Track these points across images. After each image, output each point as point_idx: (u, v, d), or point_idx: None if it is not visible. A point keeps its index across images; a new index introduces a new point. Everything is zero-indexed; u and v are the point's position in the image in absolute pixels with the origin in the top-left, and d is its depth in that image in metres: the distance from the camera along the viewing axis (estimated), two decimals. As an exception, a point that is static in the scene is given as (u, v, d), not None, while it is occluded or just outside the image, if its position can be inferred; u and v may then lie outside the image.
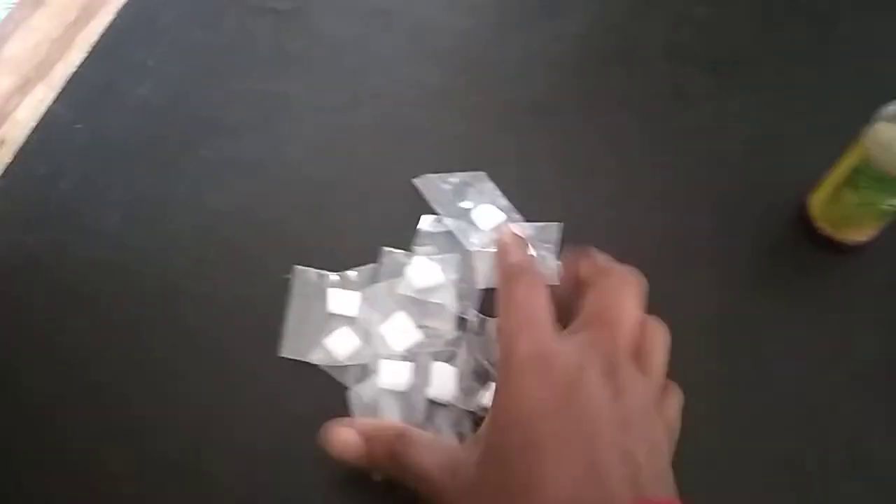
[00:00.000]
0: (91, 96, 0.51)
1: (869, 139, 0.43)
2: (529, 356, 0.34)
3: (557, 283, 0.40)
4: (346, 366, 0.41)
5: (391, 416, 0.40)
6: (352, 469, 0.37)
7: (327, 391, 0.41)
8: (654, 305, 0.45)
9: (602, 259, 0.40)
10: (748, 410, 0.43)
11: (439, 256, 0.44)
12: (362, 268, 0.44)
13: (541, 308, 0.35)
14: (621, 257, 0.47)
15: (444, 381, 0.40)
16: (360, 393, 0.40)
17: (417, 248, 0.45)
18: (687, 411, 0.42)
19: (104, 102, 0.51)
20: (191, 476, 0.39)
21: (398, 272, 0.44)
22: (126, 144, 0.49)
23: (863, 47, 0.58)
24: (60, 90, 0.51)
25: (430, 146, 0.50)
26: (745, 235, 0.49)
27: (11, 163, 0.48)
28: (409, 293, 0.43)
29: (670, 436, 0.35)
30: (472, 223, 0.46)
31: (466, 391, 0.40)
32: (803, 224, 0.49)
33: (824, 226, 0.47)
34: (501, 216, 0.46)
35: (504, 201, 0.48)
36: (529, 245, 0.41)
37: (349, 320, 0.42)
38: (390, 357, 0.41)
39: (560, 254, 0.45)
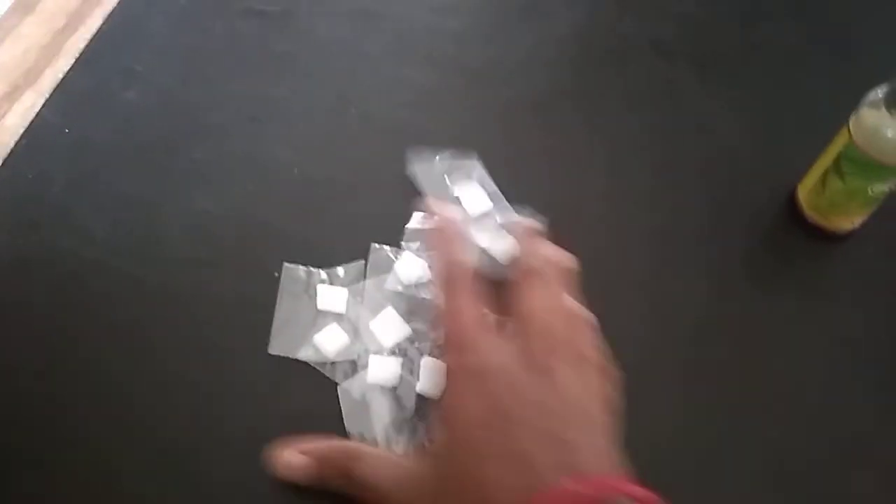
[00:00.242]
0: (79, 102, 0.51)
1: (854, 125, 0.43)
2: (461, 368, 0.35)
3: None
4: (335, 362, 0.41)
5: (381, 412, 0.40)
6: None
7: (317, 388, 0.41)
8: (647, 296, 0.46)
9: (536, 250, 0.40)
10: (739, 399, 0.43)
11: (427, 252, 0.44)
12: (350, 264, 0.44)
13: (471, 319, 0.36)
14: (614, 250, 0.47)
15: (433, 375, 0.40)
16: (349, 389, 0.40)
17: (405, 245, 0.45)
18: (680, 401, 0.42)
19: (92, 107, 0.51)
20: (182, 471, 0.39)
21: (386, 268, 0.44)
22: (115, 148, 0.50)
23: (846, 37, 0.58)
24: (49, 96, 0.51)
25: (417, 145, 0.50)
26: (736, 226, 0.49)
27: (1, 168, 0.48)
28: (397, 289, 0.43)
29: (610, 414, 0.36)
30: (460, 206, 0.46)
31: None
32: (793, 213, 0.49)
33: (813, 214, 0.47)
34: (488, 203, 0.47)
35: (493, 187, 0.48)
36: (470, 230, 0.41)
37: (338, 317, 0.42)
38: (379, 353, 0.41)
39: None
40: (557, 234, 0.45)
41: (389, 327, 0.42)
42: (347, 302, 0.43)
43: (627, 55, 0.56)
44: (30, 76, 0.53)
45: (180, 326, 0.43)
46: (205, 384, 0.41)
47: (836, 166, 0.44)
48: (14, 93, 0.52)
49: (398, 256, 0.44)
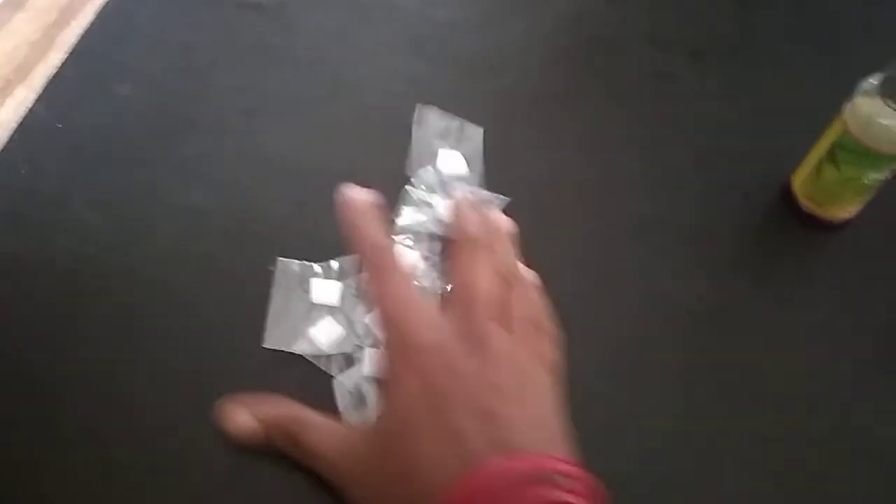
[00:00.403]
0: (71, 97, 0.51)
1: (848, 114, 0.43)
2: (399, 348, 0.36)
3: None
4: (330, 355, 0.41)
5: (376, 404, 0.40)
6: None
7: (312, 381, 0.41)
8: (641, 286, 0.46)
9: (470, 217, 0.41)
10: (734, 389, 0.43)
11: (419, 244, 0.44)
12: (345, 258, 0.44)
13: (402, 297, 0.37)
14: (608, 240, 0.47)
15: None
16: (344, 382, 0.40)
17: (397, 238, 0.45)
18: (673, 391, 0.42)
19: (84, 102, 0.51)
20: (178, 463, 0.39)
21: None
22: (107, 143, 0.49)
23: (840, 26, 0.58)
24: (41, 91, 0.51)
25: (409, 136, 0.50)
26: (731, 216, 0.49)
27: (-7, 164, 0.48)
28: None
29: (552, 380, 0.37)
30: (439, 173, 0.47)
31: None
32: (788, 203, 0.49)
33: (808, 203, 0.47)
34: (464, 169, 0.48)
35: (480, 166, 0.48)
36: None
37: (332, 310, 0.42)
38: (374, 345, 0.41)
39: None
40: (556, 226, 0.45)
41: None
42: (342, 295, 0.43)
43: (620, 45, 0.56)
44: (21, 71, 0.53)
45: (175, 320, 0.43)
46: (200, 378, 0.41)
47: (831, 155, 0.44)
48: (6, 88, 0.52)
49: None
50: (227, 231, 0.46)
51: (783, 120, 0.52)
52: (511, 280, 0.39)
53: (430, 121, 0.50)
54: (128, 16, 0.56)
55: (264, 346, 0.42)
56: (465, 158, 0.48)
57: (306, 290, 0.43)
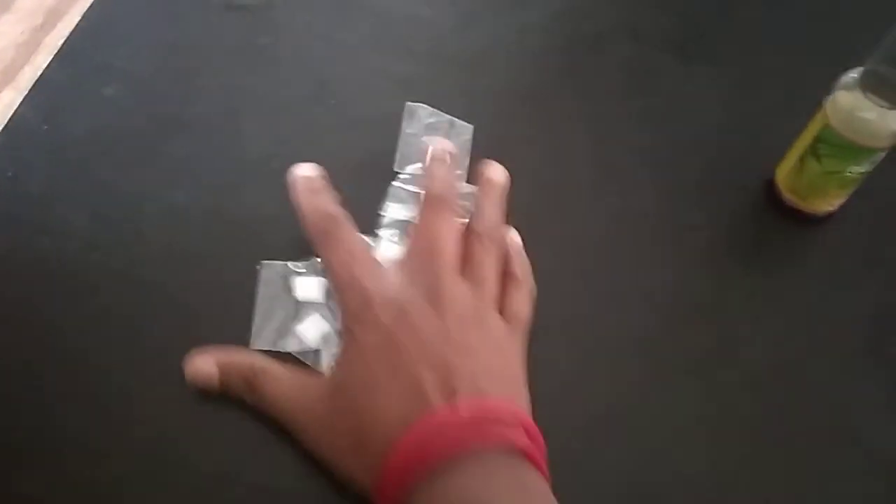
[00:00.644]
0: (58, 98, 0.51)
1: (829, 108, 0.43)
2: (358, 305, 0.37)
3: None
4: (317, 350, 0.41)
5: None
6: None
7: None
8: (626, 279, 0.46)
9: (437, 173, 0.42)
10: (717, 380, 0.43)
11: (405, 240, 0.44)
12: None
13: (357, 258, 0.38)
14: (596, 234, 0.47)
15: None
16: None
17: (381, 232, 0.45)
18: (658, 381, 0.43)
19: (71, 104, 0.51)
20: (171, 462, 0.39)
21: None
22: (93, 144, 0.49)
23: (823, 20, 0.58)
24: (27, 93, 0.51)
25: (397, 136, 0.50)
26: (715, 209, 0.49)
27: (-21, 166, 0.48)
28: None
29: (514, 332, 0.38)
30: None
31: None
32: (771, 197, 0.49)
33: (791, 197, 0.48)
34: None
35: (466, 161, 0.49)
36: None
37: (317, 306, 0.42)
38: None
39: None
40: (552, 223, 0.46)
41: None
42: (326, 290, 0.43)
43: (606, 41, 0.56)
44: (8, 74, 0.53)
45: (162, 321, 0.43)
46: (183, 383, 0.41)
47: (813, 149, 0.45)
48: (-8, 91, 0.52)
49: (374, 243, 0.44)
50: (213, 230, 0.46)
51: (767, 114, 0.53)
52: (482, 234, 0.40)
53: (420, 117, 0.50)
54: (114, 18, 0.56)
55: (253, 347, 0.42)
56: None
57: (290, 290, 0.43)
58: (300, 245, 0.45)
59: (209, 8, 0.57)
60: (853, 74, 0.42)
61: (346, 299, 0.38)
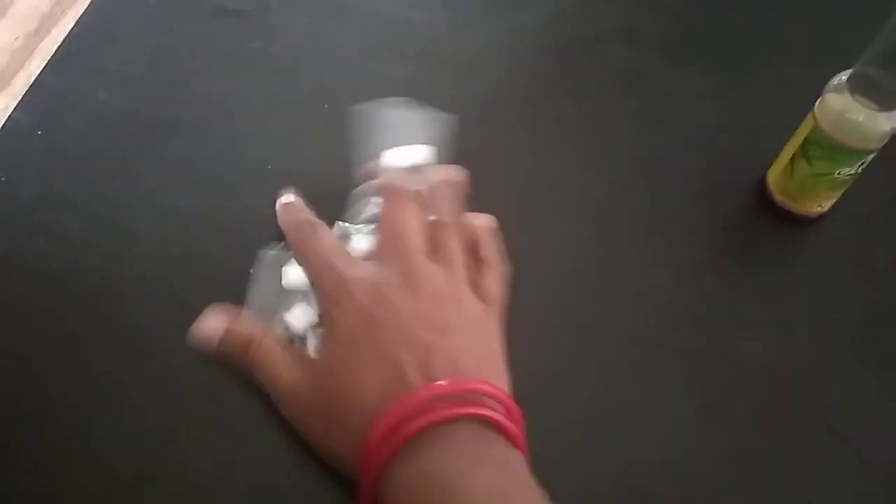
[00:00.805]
0: (51, 103, 0.51)
1: (819, 110, 0.43)
2: (335, 289, 0.38)
3: None
4: (304, 336, 0.42)
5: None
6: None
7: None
8: (619, 280, 0.46)
9: (394, 175, 0.44)
10: (709, 381, 0.43)
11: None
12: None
13: (333, 249, 0.40)
14: (588, 236, 0.48)
15: None
16: None
17: (362, 227, 0.45)
18: (649, 383, 0.43)
19: (65, 109, 0.51)
20: (172, 462, 0.40)
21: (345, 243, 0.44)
22: (87, 149, 0.50)
23: (813, 22, 0.58)
24: (21, 98, 0.52)
25: (391, 139, 0.50)
26: (707, 212, 0.49)
27: (-26, 171, 0.49)
28: None
29: (490, 312, 0.39)
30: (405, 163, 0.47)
31: None
32: (763, 198, 0.49)
33: (782, 198, 0.48)
34: (430, 156, 0.47)
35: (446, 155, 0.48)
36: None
37: (305, 294, 0.43)
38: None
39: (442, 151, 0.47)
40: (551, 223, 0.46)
41: None
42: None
43: (598, 44, 0.57)
44: (2, 79, 0.53)
45: (155, 324, 0.43)
46: (183, 378, 0.42)
47: (804, 150, 0.45)
48: (-14, 96, 0.52)
49: (355, 231, 0.45)
50: (207, 234, 0.46)
51: (758, 116, 0.53)
52: (446, 220, 0.41)
53: (398, 113, 0.50)
54: (108, 23, 0.56)
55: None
56: (435, 146, 0.48)
57: (278, 278, 0.43)
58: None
59: (202, 12, 0.57)
60: (842, 77, 0.43)
61: (323, 284, 0.39)
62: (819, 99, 0.44)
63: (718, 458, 0.41)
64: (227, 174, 0.49)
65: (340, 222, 0.45)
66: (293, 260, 0.44)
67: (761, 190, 0.49)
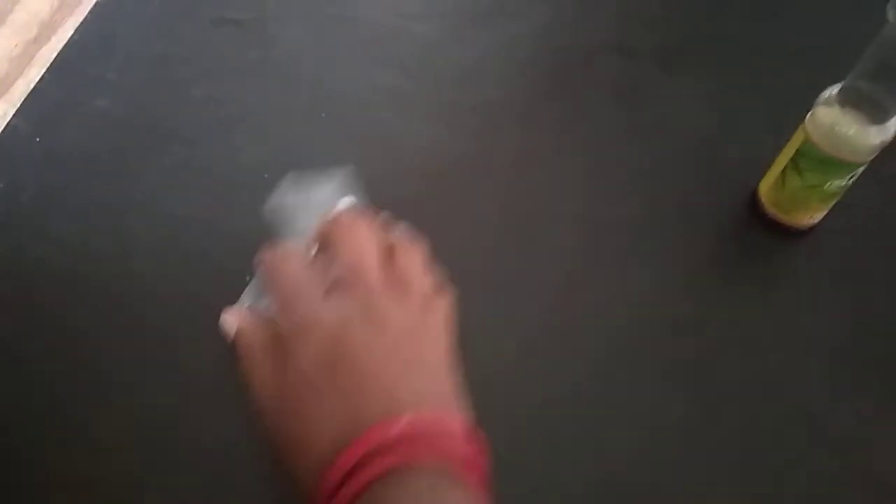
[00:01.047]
0: (50, 111, 0.52)
1: (810, 123, 0.44)
2: (295, 328, 0.37)
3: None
4: None
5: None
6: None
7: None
8: (610, 291, 0.46)
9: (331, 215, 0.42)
10: (699, 391, 0.44)
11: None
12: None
13: (295, 284, 0.38)
14: (580, 246, 0.48)
15: None
16: None
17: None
18: (641, 392, 0.43)
19: (63, 116, 0.52)
20: (173, 461, 0.40)
21: None
22: (85, 155, 0.50)
23: (804, 36, 0.59)
24: (20, 105, 0.52)
25: (387, 148, 0.51)
26: (699, 223, 0.50)
27: (-28, 178, 0.49)
28: None
29: (444, 342, 0.38)
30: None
31: None
32: (755, 210, 0.50)
33: (773, 210, 0.48)
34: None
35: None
36: None
37: None
38: None
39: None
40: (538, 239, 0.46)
41: None
42: None
43: (592, 55, 0.57)
44: (1, 86, 0.54)
45: (151, 330, 0.44)
46: (176, 385, 0.42)
47: (795, 163, 0.45)
48: (-15, 103, 0.53)
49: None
50: (204, 242, 0.47)
51: (750, 129, 0.53)
52: (395, 245, 0.40)
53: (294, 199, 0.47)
54: (107, 31, 0.57)
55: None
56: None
57: None
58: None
59: (201, 22, 0.57)
60: (833, 90, 0.43)
61: (284, 318, 0.38)
62: (810, 112, 0.44)
63: (705, 465, 0.41)
64: (225, 182, 0.49)
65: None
66: None
67: (753, 201, 0.50)
